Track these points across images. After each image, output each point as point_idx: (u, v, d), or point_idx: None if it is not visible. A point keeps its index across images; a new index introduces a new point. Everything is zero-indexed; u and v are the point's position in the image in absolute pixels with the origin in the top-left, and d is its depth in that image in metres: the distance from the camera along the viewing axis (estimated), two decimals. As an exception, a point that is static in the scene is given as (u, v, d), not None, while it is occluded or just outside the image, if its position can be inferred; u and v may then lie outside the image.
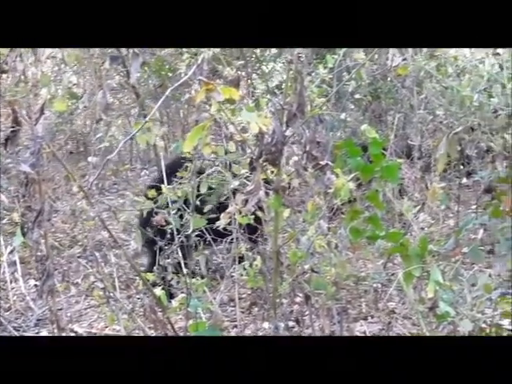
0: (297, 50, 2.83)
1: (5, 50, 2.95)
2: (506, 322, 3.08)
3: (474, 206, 5.45)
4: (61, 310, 4.21)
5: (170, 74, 7.12)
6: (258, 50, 7.34)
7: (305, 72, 3.02)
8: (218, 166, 3.47)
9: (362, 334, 3.84)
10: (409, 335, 3.63)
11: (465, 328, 2.66)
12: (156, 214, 3.57)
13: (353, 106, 6.41)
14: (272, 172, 3.03)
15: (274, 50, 7.05)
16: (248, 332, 3.85)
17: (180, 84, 2.96)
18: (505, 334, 2.92)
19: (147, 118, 3.00)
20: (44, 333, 4.26)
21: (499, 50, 3.13)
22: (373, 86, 6.01)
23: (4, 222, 5.25)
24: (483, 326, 2.97)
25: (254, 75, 6.45)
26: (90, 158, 4.18)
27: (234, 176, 3.52)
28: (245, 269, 3.57)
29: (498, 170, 3.27)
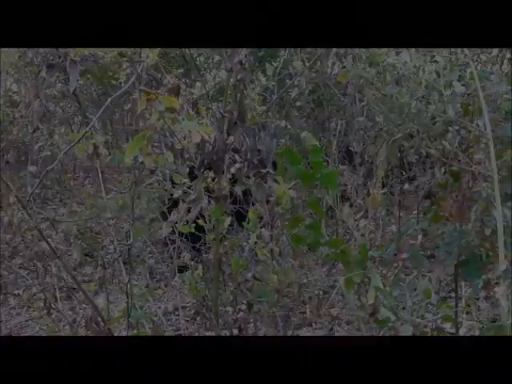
0: (237, 58, 2.82)
1: None
2: (447, 326, 3.12)
3: (416, 212, 5.52)
4: (0, 322, 4.13)
5: (114, 82, 7.05)
6: (201, 58, 7.32)
7: (247, 79, 3.02)
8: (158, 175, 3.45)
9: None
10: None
11: (406, 333, 2.68)
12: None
13: (297, 114, 6.43)
14: (213, 180, 3.02)
15: (217, 57, 7.03)
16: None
17: (123, 92, 2.93)
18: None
19: (87, 128, 2.96)
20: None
21: (437, 58, 3.18)
22: (316, 93, 6.03)
23: None
24: (425, 330, 3.00)
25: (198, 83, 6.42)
26: (29, 168, 4.11)
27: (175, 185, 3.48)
28: (187, 278, 3.55)
29: (436, 175, 3.31)
